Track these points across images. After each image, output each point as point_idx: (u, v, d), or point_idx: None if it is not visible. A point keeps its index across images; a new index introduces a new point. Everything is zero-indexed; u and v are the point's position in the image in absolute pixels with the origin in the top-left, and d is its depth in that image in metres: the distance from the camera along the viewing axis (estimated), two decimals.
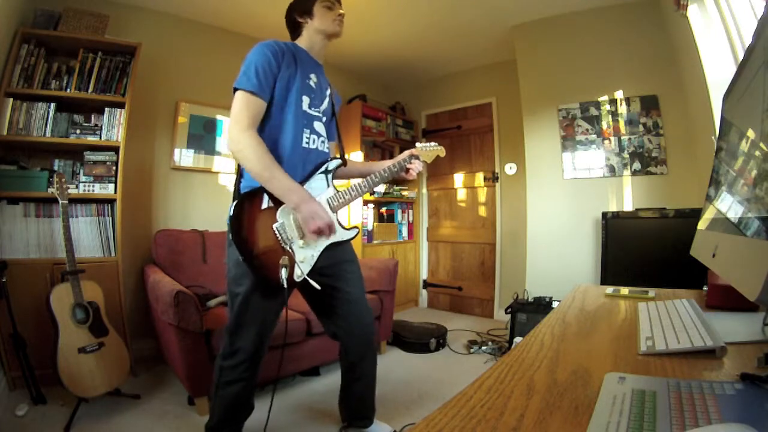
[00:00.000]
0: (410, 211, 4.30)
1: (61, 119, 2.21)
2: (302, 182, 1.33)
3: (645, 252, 2.27)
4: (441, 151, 1.60)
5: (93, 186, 2.26)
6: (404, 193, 4.18)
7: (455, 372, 2.42)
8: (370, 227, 3.78)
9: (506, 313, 2.63)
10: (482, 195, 3.95)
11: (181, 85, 2.85)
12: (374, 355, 1.60)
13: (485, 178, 3.89)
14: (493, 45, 3.42)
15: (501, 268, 3.75)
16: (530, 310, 2.49)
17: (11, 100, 2.06)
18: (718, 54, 1.81)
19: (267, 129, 1.31)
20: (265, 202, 1.29)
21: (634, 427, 0.39)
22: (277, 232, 1.28)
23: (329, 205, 1.38)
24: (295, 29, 1.45)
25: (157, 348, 2.47)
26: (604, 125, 2.73)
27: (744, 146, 0.66)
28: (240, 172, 1.35)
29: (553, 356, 0.64)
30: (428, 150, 1.57)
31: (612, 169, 2.69)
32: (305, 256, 1.32)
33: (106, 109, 2.28)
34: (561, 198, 2.88)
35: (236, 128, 1.21)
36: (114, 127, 2.30)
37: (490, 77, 3.85)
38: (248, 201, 1.29)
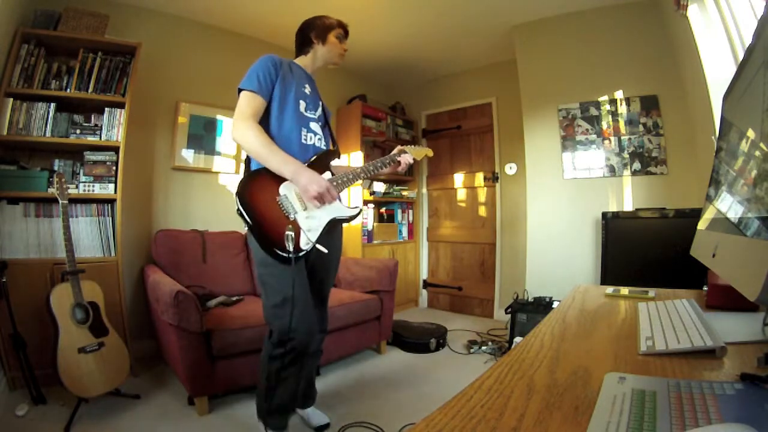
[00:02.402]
0: (410, 211, 4.30)
1: (61, 119, 2.21)
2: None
3: (645, 252, 2.27)
4: (429, 152, 1.89)
5: (93, 186, 2.25)
6: (404, 193, 4.18)
7: (455, 372, 2.42)
8: (370, 227, 3.78)
9: (506, 313, 2.63)
10: (482, 195, 3.95)
11: (181, 85, 2.85)
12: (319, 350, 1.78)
13: (485, 178, 3.89)
14: (493, 45, 3.42)
15: (501, 268, 3.75)
16: (530, 310, 2.49)
17: (11, 100, 2.06)
18: (718, 54, 1.81)
19: (269, 125, 1.47)
20: (269, 178, 1.39)
21: (634, 427, 0.39)
22: (280, 203, 1.38)
23: None
24: (304, 46, 1.63)
25: (157, 348, 2.47)
26: (604, 125, 2.73)
27: (744, 146, 0.66)
28: (248, 158, 1.48)
29: (553, 356, 0.64)
30: (417, 149, 1.81)
31: (612, 169, 2.69)
32: (311, 226, 1.41)
33: (106, 109, 2.28)
34: (561, 198, 2.88)
35: (239, 118, 1.39)
36: (114, 127, 2.29)
37: (490, 77, 3.85)
38: (252, 178, 1.40)
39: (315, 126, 1.57)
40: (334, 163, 1.66)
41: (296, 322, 1.38)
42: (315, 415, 1.79)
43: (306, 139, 1.51)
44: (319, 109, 1.62)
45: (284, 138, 1.46)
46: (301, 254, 1.38)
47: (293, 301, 1.36)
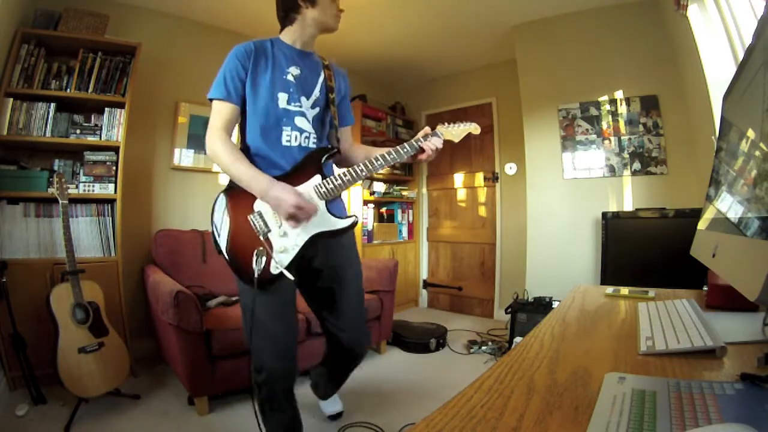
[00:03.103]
0: (410, 211, 4.30)
1: (61, 119, 2.21)
2: (285, 177, 1.26)
3: (645, 252, 2.27)
4: (474, 129, 1.47)
5: (93, 186, 2.26)
6: (404, 193, 4.18)
7: (455, 372, 2.42)
8: (370, 227, 3.78)
9: (506, 313, 2.63)
10: (482, 195, 3.95)
11: (181, 85, 2.85)
12: (358, 363, 1.59)
13: (485, 178, 3.89)
14: (493, 45, 3.42)
15: (501, 268, 3.75)
16: (530, 310, 2.48)
17: (11, 100, 2.06)
18: (718, 54, 1.81)
19: (247, 134, 1.32)
20: (244, 194, 1.26)
21: (634, 427, 0.39)
22: (251, 222, 1.25)
23: (317, 192, 1.28)
24: (288, 13, 1.33)
25: (157, 348, 2.47)
26: (604, 125, 2.73)
27: (744, 146, 0.66)
28: None
29: (553, 356, 0.64)
30: (455, 128, 1.43)
31: (612, 169, 2.69)
32: (285, 246, 1.24)
33: (106, 109, 2.28)
34: (561, 198, 2.88)
35: (209, 133, 1.27)
36: (114, 127, 2.29)
37: (490, 77, 3.85)
38: (225, 196, 1.31)
39: (302, 121, 1.32)
40: (357, 150, 1.49)
41: (267, 358, 1.28)
42: (329, 403, 1.78)
43: (289, 140, 1.30)
44: (316, 92, 1.36)
45: (263, 145, 1.29)
46: (273, 276, 1.22)
47: (251, 333, 1.25)
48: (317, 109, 1.37)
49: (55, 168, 2.23)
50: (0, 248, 2.00)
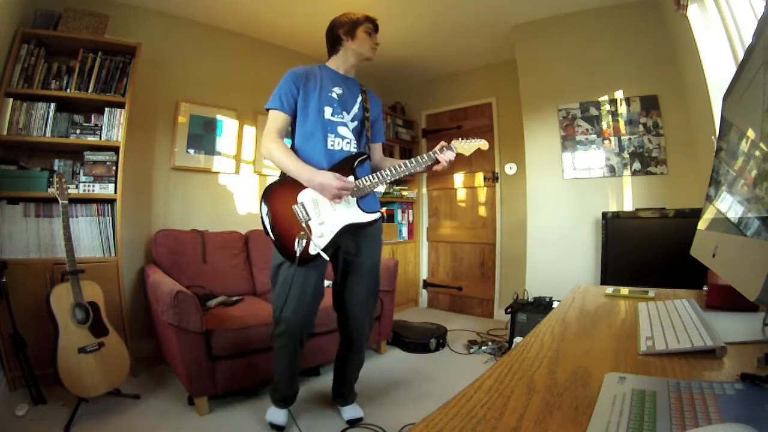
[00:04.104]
0: (410, 211, 4.30)
1: (61, 119, 2.21)
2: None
3: (645, 252, 2.27)
4: (483, 145, 1.65)
5: (93, 186, 2.25)
6: (404, 193, 4.18)
7: (455, 372, 2.42)
8: None
9: (506, 313, 2.63)
10: (482, 195, 3.95)
11: (181, 85, 2.85)
12: (362, 350, 1.81)
13: (485, 178, 3.89)
14: (493, 45, 3.42)
15: (501, 268, 3.75)
16: (530, 310, 2.48)
17: (11, 100, 2.06)
18: (718, 54, 1.81)
19: (297, 138, 1.60)
20: (290, 186, 1.52)
21: (634, 427, 0.39)
22: (296, 210, 1.51)
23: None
24: (334, 45, 1.66)
25: (157, 348, 2.47)
26: (604, 125, 2.73)
27: (744, 146, 0.66)
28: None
29: (553, 356, 0.64)
30: (467, 143, 1.63)
31: (612, 169, 2.69)
32: (323, 232, 1.52)
33: (106, 109, 2.28)
34: (561, 198, 2.88)
35: (264, 135, 1.56)
36: (114, 127, 2.29)
37: (490, 77, 3.85)
38: (274, 187, 1.56)
39: (344, 130, 1.61)
40: (386, 163, 1.76)
41: (288, 312, 1.54)
42: (348, 409, 1.83)
43: (333, 145, 1.58)
44: (355, 109, 1.65)
45: (309, 147, 1.56)
46: (311, 256, 1.49)
47: (288, 294, 1.53)
48: (356, 123, 1.66)
49: (55, 168, 2.23)
50: (0, 248, 2.00)
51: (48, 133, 2.16)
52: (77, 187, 2.22)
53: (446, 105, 4.19)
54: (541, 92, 2.99)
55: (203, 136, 2.93)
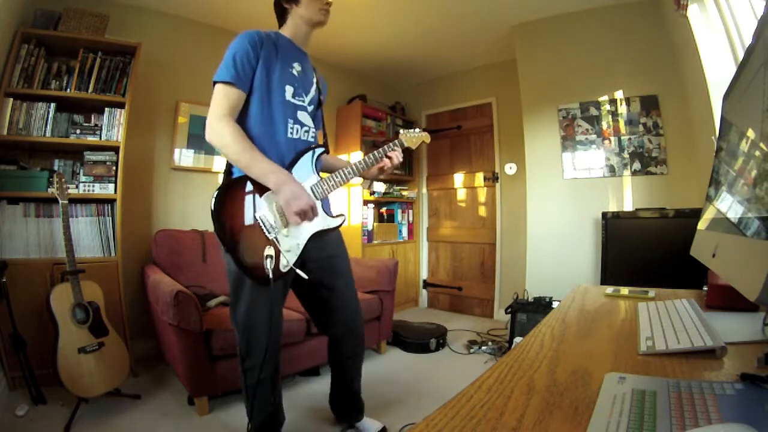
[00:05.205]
0: (410, 211, 4.30)
1: (61, 119, 2.21)
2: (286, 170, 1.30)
3: (645, 252, 2.27)
4: (426, 137, 1.59)
5: (93, 186, 2.26)
6: (404, 193, 4.19)
7: (455, 372, 2.42)
8: (370, 227, 3.78)
9: (506, 313, 2.63)
10: (482, 195, 3.95)
11: (181, 85, 2.85)
12: (363, 351, 1.68)
13: (485, 178, 3.89)
14: (493, 45, 3.42)
15: (501, 268, 3.75)
16: (530, 310, 2.48)
17: (11, 100, 2.06)
18: (718, 54, 1.81)
19: (249, 120, 1.30)
20: (248, 191, 1.26)
21: (634, 427, 0.39)
22: (260, 221, 1.25)
23: (313, 192, 1.34)
24: (281, 15, 1.41)
25: (157, 348, 2.47)
26: (604, 125, 2.73)
27: (744, 146, 0.66)
28: (228, 164, 1.33)
29: (553, 356, 0.64)
30: (412, 136, 1.56)
31: (612, 169, 2.69)
32: (291, 246, 1.29)
33: (106, 109, 2.28)
34: (561, 198, 2.88)
35: (213, 117, 1.24)
36: (114, 127, 2.30)
37: (490, 77, 3.85)
38: (230, 191, 1.27)
39: (303, 116, 1.38)
40: (331, 160, 1.56)
41: (261, 340, 1.31)
42: (368, 424, 1.69)
43: (292, 133, 1.33)
44: (312, 91, 1.42)
45: (267, 134, 1.29)
46: (282, 273, 1.28)
47: (258, 320, 1.29)
48: (313, 107, 1.43)
49: (55, 168, 2.23)
50: (0, 248, 2.00)
51: (48, 133, 2.16)
52: (77, 187, 2.23)
53: (446, 105, 4.19)
54: (541, 92, 2.99)
55: (203, 136, 2.92)
